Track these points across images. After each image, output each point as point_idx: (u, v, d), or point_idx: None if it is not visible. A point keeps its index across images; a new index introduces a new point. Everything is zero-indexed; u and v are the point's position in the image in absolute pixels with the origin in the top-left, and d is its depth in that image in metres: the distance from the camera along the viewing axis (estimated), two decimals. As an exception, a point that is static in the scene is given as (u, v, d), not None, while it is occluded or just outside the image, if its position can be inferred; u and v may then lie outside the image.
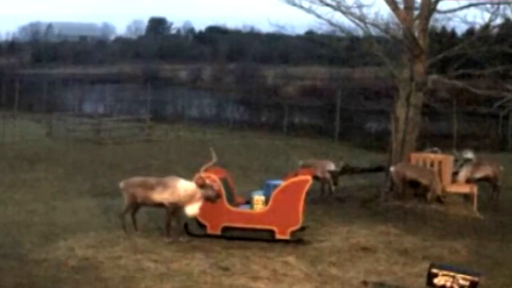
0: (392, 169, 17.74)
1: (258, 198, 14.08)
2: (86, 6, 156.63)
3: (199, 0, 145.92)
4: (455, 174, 18.36)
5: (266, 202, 13.97)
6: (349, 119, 39.78)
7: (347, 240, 14.20)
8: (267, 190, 14.24)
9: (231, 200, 14.13)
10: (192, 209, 13.69)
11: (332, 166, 18.70)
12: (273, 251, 13.25)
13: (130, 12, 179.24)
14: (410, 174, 17.52)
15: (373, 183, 19.87)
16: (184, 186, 13.73)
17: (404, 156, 18.28)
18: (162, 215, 14.68)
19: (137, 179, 14.35)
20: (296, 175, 14.50)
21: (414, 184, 17.58)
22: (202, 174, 13.76)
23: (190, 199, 13.64)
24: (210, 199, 13.66)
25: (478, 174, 18.64)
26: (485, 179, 18.83)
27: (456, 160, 19.26)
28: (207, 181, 13.63)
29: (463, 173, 18.45)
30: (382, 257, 13.23)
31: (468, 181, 18.26)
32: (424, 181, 17.37)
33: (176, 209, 13.79)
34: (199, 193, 13.61)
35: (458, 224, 16.17)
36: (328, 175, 18.56)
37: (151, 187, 13.92)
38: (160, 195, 13.81)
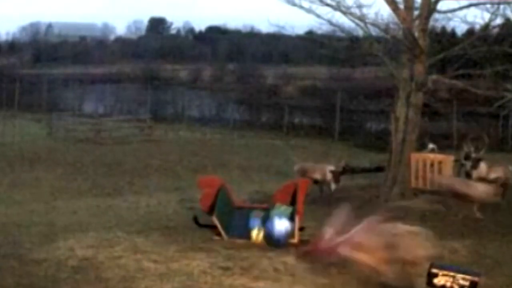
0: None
1: (258, 232, 13.65)
2: (86, 6, 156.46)
3: (199, 0, 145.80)
4: (468, 176, 18.06)
5: (265, 237, 13.46)
6: (349, 119, 39.83)
7: (347, 240, 14.15)
8: (270, 224, 13.58)
9: (230, 212, 13.95)
10: None
11: (332, 167, 18.68)
12: (273, 251, 13.22)
13: (130, 12, 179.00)
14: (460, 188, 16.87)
15: (373, 183, 19.86)
16: None
17: (404, 156, 18.26)
18: (162, 215, 14.67)
19: None
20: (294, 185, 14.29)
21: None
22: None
23: None
24: None
25: (492, 176, 18.35)
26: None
27: (456, 160, 19.20)
28: None
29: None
30: (382, 257, 13.20)
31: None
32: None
33: None
34: None
35: (458, 224, 16.15)
36: (328, 176, 18.54)
37: None
38: None
